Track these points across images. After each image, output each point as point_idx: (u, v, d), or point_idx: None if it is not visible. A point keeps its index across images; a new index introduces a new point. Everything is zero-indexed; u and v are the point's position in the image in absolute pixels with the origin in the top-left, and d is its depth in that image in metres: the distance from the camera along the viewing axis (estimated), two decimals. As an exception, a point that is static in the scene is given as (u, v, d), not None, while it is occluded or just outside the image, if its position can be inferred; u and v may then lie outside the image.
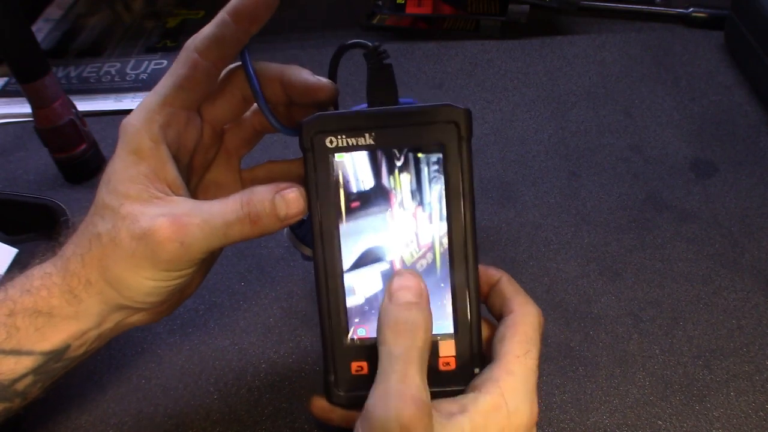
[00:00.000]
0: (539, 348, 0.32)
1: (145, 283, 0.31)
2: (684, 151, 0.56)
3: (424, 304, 0.31)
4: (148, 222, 0.30)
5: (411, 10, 0.73)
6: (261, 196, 0.31)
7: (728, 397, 0.40)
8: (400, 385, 0.28)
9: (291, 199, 0.32)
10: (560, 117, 0.61)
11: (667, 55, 0.66)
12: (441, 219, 0.32)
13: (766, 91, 0.59)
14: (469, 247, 0.32)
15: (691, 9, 0.70)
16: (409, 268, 0.32)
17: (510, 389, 0.30)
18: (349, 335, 0.34)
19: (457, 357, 0.33)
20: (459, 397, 0.30)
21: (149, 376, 0.43)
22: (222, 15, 0.31)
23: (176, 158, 0.33)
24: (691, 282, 0.46)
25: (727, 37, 0.66)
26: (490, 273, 0.35)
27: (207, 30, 0.32)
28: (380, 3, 0.73)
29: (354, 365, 0.33)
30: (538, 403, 0.40)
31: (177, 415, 0.41)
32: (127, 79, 0.70)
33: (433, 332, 0.33)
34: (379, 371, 0.29)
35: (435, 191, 0.32)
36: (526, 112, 0.61)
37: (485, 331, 0.34)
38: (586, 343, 0.43)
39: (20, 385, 0.32)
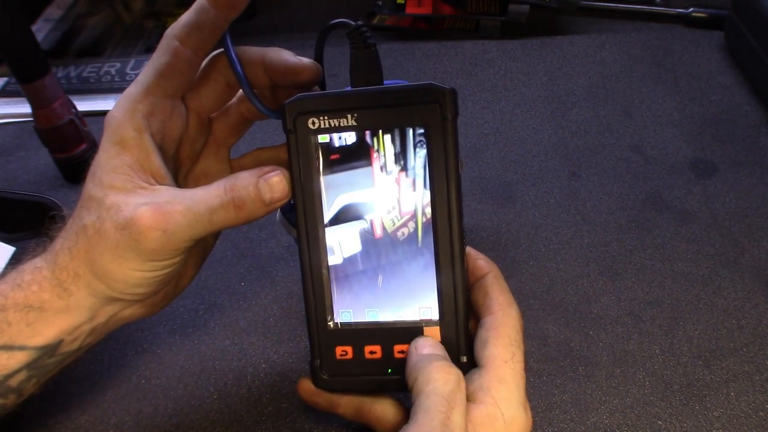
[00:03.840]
0: (523, 351, 0.32)
1: (132, 274, 0.31)
2: (684, 151, 0.56)
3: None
4: (131, 211, 0.30)
5: (411, 10, 0.73)
6: (245, 181, 0.31)
7: (728, 397, 0.40)
8: (444, 428, 0.27)
9: (275, 183, 0.31)
10: (560, 117, 0.60)
11: (667, 55, 0.66)
12: (425, 201, 0.32)
13: (766, 91, 0.59)
14: (454, 232, 0.32)
15: (691, 9, 0.70)
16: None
17: (503, 398, 0.30)
18: (334, 320, 0.33)
19: (443, 344, 0.33)
20: None
21: (149, 376, 0.43)
22: (200, 1, 0.31)
23: (162, 148, 0.33)
24: (691, 282, 0.46)
25: (727, 37, 0.66)
26: (479, 265, 0.34)
27: (186, 17, 0.31)
28: (380, 3, 0.73)
29: (339, 350, 0.33)
30: (539, 404, 0.40)
31: (177, 415, 0.41)
32: (127, 79, 0.70)
33: (417, 318, 0.33)
34: (420, 407, 0.28)
35: (421, 174, 0.32)
36: (526, 112, 0.61)
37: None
38: (586, 343, 0.43)
39: (14, 381, 0.32)
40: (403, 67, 0.68)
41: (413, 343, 0.32)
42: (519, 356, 0.31)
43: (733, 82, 0.63)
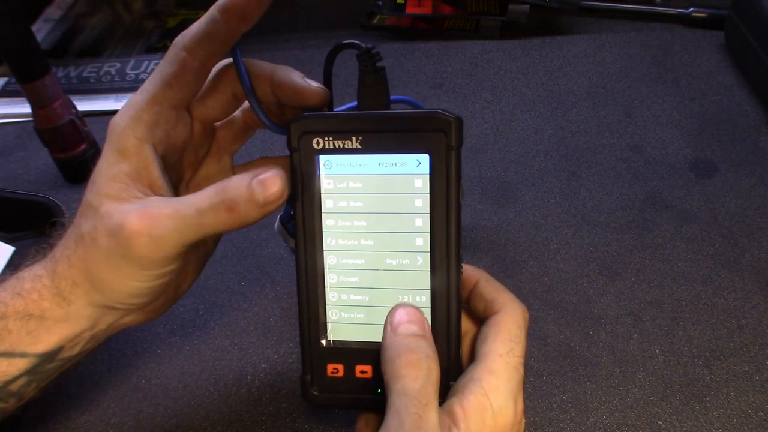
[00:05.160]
0: (524, 345, 0.32)
1: (126, 284, 0.31)
2: (684, 151, 0.56)
3: (429, 337, 0.31)
4: (119, 218, 0.30)
5: (411, 10, 0.73)
6: (237, 182, 0.30)
7: (728, 397, 0.40)
8: (416, 430, 0.27)
9: (268, 181, 0.30)
10: (560, 117, 0.60)
11: (667, 55, 0.66)
12: (425, 227, 0.32)
13: (766, 91, 0.59)
14: (451, 260, 0.32)
15: (691, 9, 0.70)
16: (409, 303, 0.32)
17: (493, 389, 0.30)
18: (327, 337, 0.34)
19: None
20: (445, 405, 0.30)
21: (149, 376, 0.43)
22: (212, 12, 0.30)
23: (164, 158, 0.33)
24: (691, 282, 0.46)
25: (727, 37, 0.66)
26: (468, 275, 0.34)
27: (196, 27, 0.31)
28: (380, 3, 0.73)
29: (330, 367, 0.33)
30: (539, 404, 0.40)
31: (177, 415, 0.41)
32: (127, 79, 0.70)
33: None
34: (391, 408, 0.28)
35: (420, 199, 0.32)
36: (526, 112, 0.61)
37: (466, 327, 0.34)
38: (586, 343, 0.43)
39: (14, 387, 0.32)
40: (404, 67, 0.68)
41: (389, 315, 0.31)
42: (517, 351, 0.31)
43: (733, 82, 0.63)
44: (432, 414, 0.28)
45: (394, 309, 0.31)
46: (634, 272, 0.47)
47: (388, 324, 0.31)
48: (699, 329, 0.44)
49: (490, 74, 0.66)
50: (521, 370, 0.31)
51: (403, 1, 0.73)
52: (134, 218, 0.29)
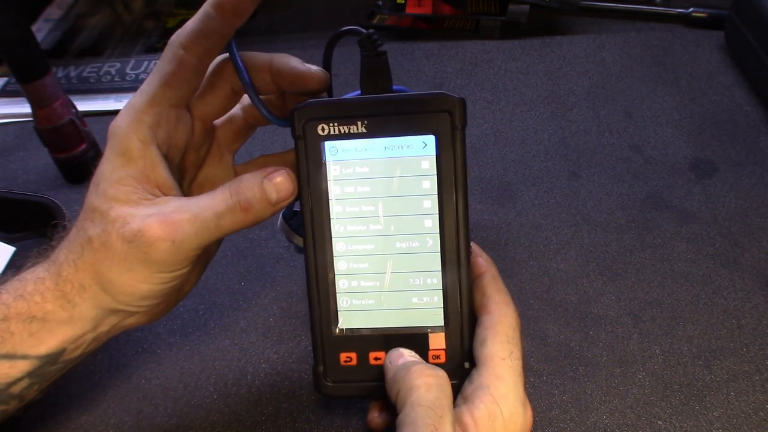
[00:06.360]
0: (521, 349, 0.32)
1: (140, 287, 0.31)
2: (684, 151, 0.56)
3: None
4: (138, 223, 0.30)
5: (411, 10, 0.73)
6: (249, 183, 0.31)
7: (728, 397, 0.40)
8: None
9: (280, 182, 0.32)
10: (560, 117, 0.60)
11: (667, 55, 0.66)
12: (433, 209, 0.32)
13: (766, 91, 0.59)
14: (461, 240, 0.32)
15: (691, 9, 0.70)
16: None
17: (502, 395, 0.30)
18: (339, 326, 0.33)
19: (448, 350, 0.33)
20: (454, 413, 0.30)
21: (149, 376, 0.43)
22: (206, 8, 0.31)
23: (167, 158, 0.33)
24: (691, 282, 0.46)
25: (727, 37, 0.66)
26: (478, 263, 0.34)
27: (191, 25, 0.31)
28: (380, 3, 0.73)
29: (343, 356, 0.33)
30: (539, 404, 0.40)
31: (177, 415, 0.41)
32: (127, 79, 0.70)
33: (424, 324, 0.33)
34: (405, 421, 0.28)
35: (428, 180, 0.32)
36: (526, 112, 0.61)
37: None
38: (586, 343, 0.43)
39: (16, 389, 0.32)
40: (403, 67, 0.68)
41: (387, 358, 0.32)
42: (517, 354, 0.31)
43: (733, 82, 0.63)
44: (447, 427, 0.28)
45: (388, 353, 0.33)
46: (634, 272, 0.47)
47: (387, 362, 0.32)
48: (699, 329, 0.44)
49: (490, 74, 0.66)
50: (523, 373, 0.31)
51: (403, 1, 0.73)
52: (155, 224, 0.30)
